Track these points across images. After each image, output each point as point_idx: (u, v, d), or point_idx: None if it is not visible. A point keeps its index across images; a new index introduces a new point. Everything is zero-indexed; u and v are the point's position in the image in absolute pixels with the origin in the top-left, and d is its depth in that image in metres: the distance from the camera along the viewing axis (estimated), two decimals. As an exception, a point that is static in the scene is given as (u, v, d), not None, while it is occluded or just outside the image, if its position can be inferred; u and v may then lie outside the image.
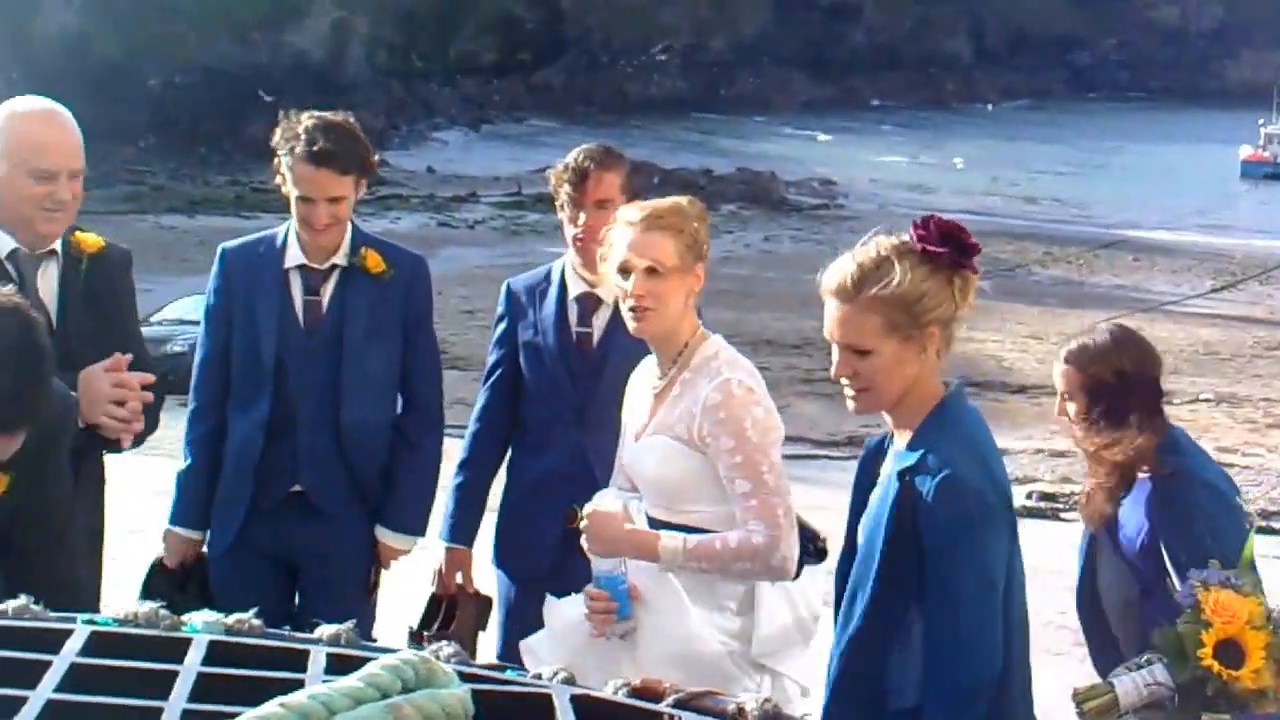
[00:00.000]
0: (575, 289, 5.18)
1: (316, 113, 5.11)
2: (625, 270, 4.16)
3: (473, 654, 4.42)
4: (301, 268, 5.15)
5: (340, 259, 5.14)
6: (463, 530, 5.34)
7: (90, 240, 4.67)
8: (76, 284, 4.55)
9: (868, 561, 3.53)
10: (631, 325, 4.22)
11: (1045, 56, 77.31)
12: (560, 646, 4.24)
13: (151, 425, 4.67)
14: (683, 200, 4.25)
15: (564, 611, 4.28)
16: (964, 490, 3.44)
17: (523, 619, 4.90)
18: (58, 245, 4.58)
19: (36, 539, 3.49)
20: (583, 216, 5.09)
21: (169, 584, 5.13)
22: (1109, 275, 37.96)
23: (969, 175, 55.60)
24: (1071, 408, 4.73)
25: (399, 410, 5.31)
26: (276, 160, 5.09)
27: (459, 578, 5.31)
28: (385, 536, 5.25)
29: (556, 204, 5.24)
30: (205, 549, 5.29)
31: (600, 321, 5.15)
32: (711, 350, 4.17)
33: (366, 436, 5.20)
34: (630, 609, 4.13)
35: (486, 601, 5.37)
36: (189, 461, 5.26)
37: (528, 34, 66.60)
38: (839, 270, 3.54)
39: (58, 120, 4.56)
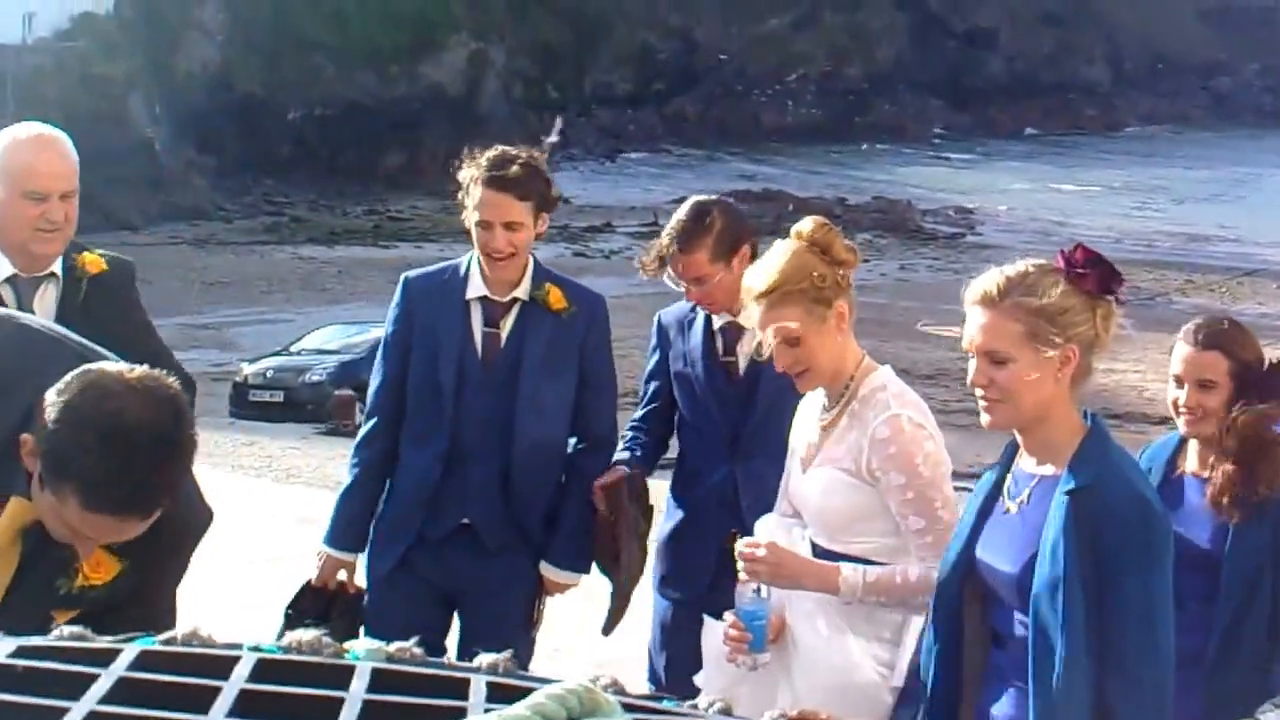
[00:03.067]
0: (719, 320, 5.22)
1: (502, 147, 5.15)
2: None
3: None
4: (483, 299, 5.17)
5: (522, 293, 5.16)
6: None
7: (92, 260, 4.76)
8: (75, 305, 4.61)
9: (1052, 591, 3.52)
10: (798, 386, 4.21)
11: (1186, 82, 76.33)
12: (716, 673, 4.27)
13: None
14: (800, 246, 4.15)
15: (717, 638, 4.29)
16: (1149, 510, 3.51)
17: (677, 641, 4.98)
18: (57, 268, 4.68)
19: (133, 628, 3.46)
20: (685, 288, 5.23)
21: (316, 605, 5.18)
22: (1252, 303, 37.28)
23: (1108, 202, 54.94)
24: (1211, 398, 4.61)
25: (571, 446, 5.33)
26: (461, 195, 5.10)
27: None
28: (550, 573, 5.27)
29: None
30: (362, 575, 5.31)
31: (745, 350, 5.17)
32: (879, 382, 4.13)
33: (534, 473, 5.20)
34: (765, 644, 4.13)
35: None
36: (352, 482, 5.31)
37: (662, 64, 66.80)
38: (985, 279, 3.61)
39: (51, 144, 4.67)
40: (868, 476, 4.06)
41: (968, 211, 51.51)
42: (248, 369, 24.01)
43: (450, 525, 5.19)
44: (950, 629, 3.74)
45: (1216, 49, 77.91)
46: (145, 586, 3.42)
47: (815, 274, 4.09)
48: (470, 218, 5.08)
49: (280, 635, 1.46)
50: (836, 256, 4.16)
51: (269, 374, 23.04)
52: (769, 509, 4.55)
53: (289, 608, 5.22)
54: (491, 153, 5.09)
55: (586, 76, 65.19)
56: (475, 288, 5.17)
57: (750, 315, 4.16)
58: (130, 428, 2.96)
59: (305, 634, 1.42)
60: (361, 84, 53.38)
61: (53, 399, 3.01)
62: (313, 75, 52.86)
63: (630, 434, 5.52)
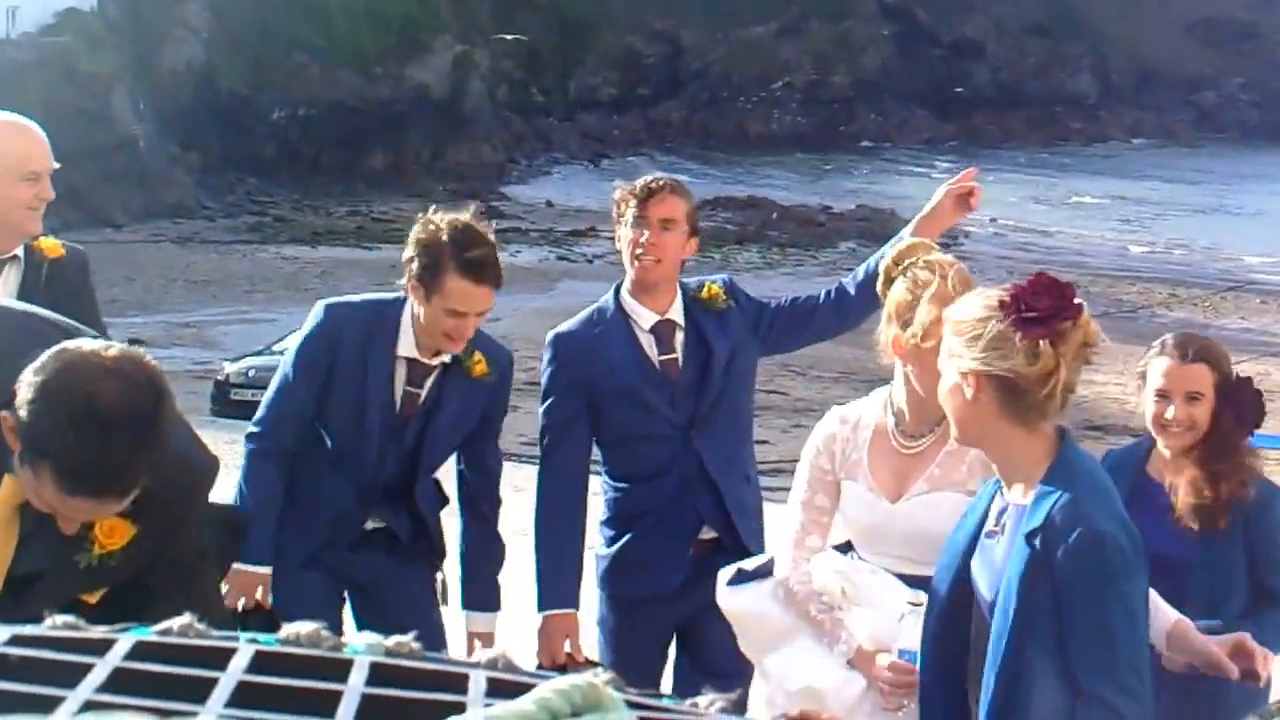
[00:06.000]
0: (647, 322, 5.31)
1: (456, 218, 5.00)
2: None
3: None
4: (410, 360, 5.11)
5: (446, 358, 5.13)
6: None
7: (50, 245, 4.92)
8: (38, 288, 4.73)
9: (1005, 618, 3.51)
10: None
11: (1171, 96, 76.47)
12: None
13: None
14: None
15: (842, 682, 4.14)
16: (1104, 544, 3.41)
17: (647, 643, 5.35)
18: (20, 251, 4.83)
19: (169, 588, 3.48)
20: (646, 234, 5.19)
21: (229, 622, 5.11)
22: (1235, 318, 37.38)
23: (1092, 214, 55.05)
24: (1199, 410, 4.63)
25: (471, 489, 5.39)
26: (409, 256, 4.97)
27: (567, 645, 5.35)
28: (475, 622, 5.31)
29: (618, 223, 5.31)
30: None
31: (679, 342, 5.34)
32: None
33: (431, 505, 5.32)
34: None
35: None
36: (256, 499, 5.16)
37: (648, 69, 66.85)
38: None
39: (31, 128, 4.85)
40: None
41: (951, 221, 51.49)
42: (230, 368, 24.02)
43: (356, 533, 5.27)
44: (942, 631, 3.74)
45: (1202, 63, 78.14)
46: (166, 545, 3.44)
47: None
48: (436, 303, 4.92)
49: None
50: None
51: (251, 373, 22.94)
52: (732, 465, 5.07)
53: None
54: (455, 231, 4.91)
55: (571, 80, 65.20)
56: (406, 346, 5.08)
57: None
58: (105, 411, 2.94)
59: (303, 626, 1.40)
60: (346, 84, 53.32)
61: (29, 377, 3.00)
62: (297, 75, 52.78)
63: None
